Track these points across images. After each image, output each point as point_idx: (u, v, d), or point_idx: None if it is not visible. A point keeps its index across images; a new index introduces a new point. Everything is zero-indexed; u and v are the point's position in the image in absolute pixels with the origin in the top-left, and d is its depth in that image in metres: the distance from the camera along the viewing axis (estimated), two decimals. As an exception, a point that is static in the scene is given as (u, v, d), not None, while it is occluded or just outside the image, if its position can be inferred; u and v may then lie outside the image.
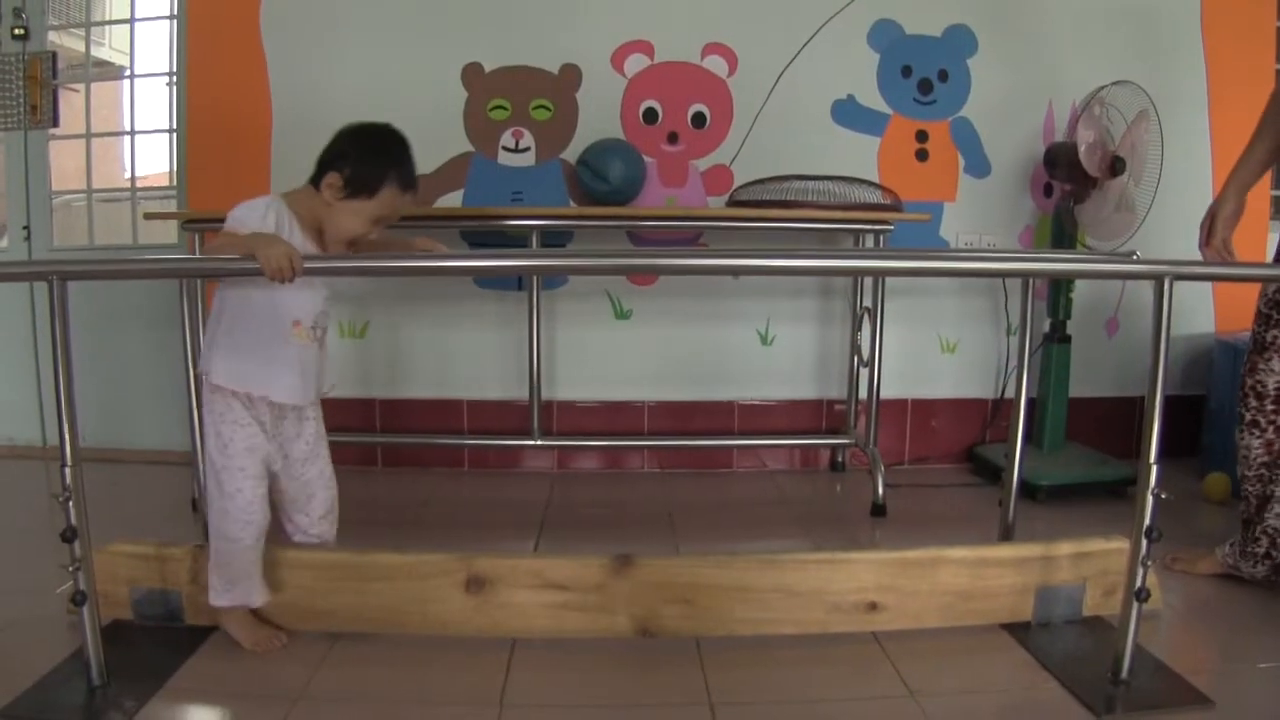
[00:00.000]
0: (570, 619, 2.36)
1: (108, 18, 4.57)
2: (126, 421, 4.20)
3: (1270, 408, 2.64)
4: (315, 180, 2.25)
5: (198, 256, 3.38)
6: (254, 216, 2.15)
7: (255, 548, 2.28)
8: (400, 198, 2.26)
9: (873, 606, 2.42)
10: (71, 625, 2.10)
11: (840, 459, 4.10)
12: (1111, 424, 4.13)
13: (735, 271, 2.13)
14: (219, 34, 3.85)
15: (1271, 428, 2.65)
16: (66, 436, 1.99)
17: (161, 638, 2.35)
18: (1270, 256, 2.84)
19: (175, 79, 3.97)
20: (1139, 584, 2.10)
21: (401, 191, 2.25)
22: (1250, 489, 2.71)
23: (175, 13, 3.94)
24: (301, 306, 2.27)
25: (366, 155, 2.23)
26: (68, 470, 1.98)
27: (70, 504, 1.98)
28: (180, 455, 3.72)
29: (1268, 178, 2.68)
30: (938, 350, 4.11)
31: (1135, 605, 2.11)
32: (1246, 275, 2.51)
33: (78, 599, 2.00)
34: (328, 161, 2.23)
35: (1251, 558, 2.71)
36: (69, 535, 1.98)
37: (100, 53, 4.75)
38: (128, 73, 4.22)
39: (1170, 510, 3.34)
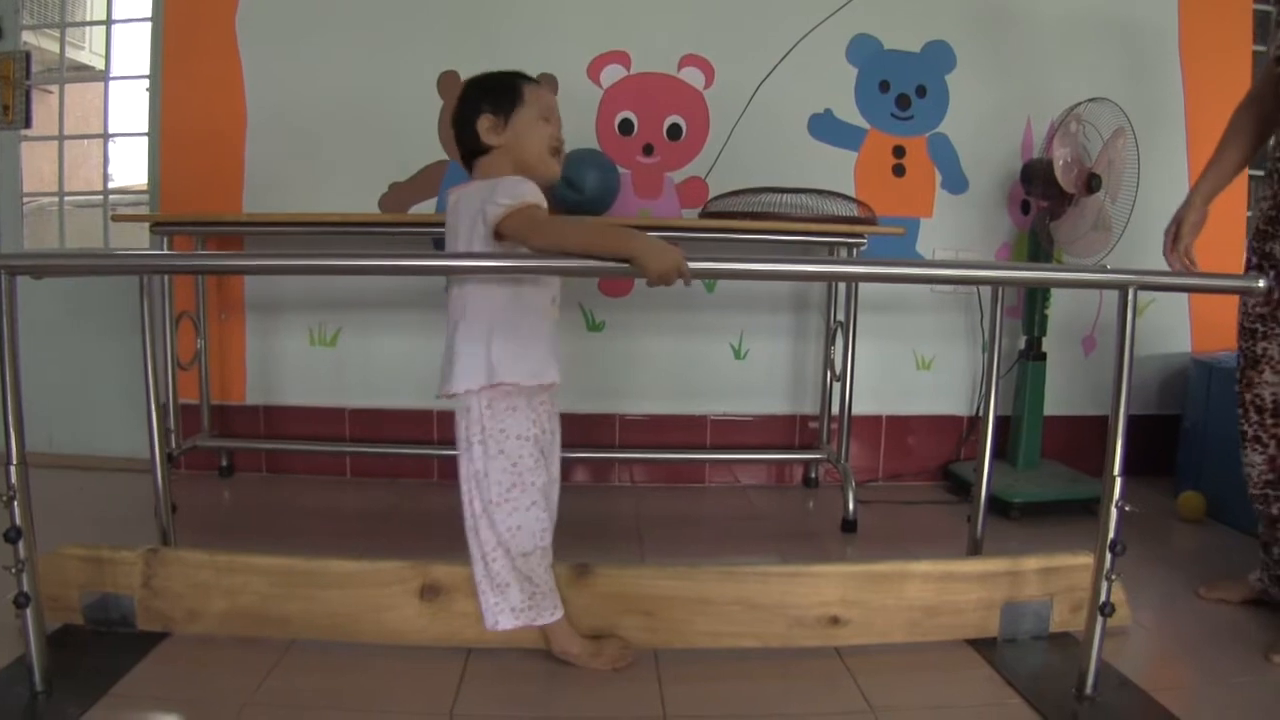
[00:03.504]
0: (527, 629, 2.33)
1: (86, 19, 4.53)
2: (96, 429, 4.15)
3: (1270, 421, 2.60)
4: (477, 154, 2.22)
5: (152, 252, 3.37)
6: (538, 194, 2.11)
7: (549, 552, 2.25)
8: (539, 89, 2.23)
9: (835, 621, 2.40)
10: (20, 631, 2.05)
11: (814, 475, 4.07)
12: (1088, 442, 4.10)
13: (701, 276, 2.10)
14: (195, 37, 3.83)
15: (1274, 442, 2.60)
16: (13, 434, 1.95)
17: (112, 643, 2.31)
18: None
19: (150, 82, 3.94)
20: (1103, 598, 2.08)
21: (536, 84, 2.24)
22: (1259, 508, 2.67)
23: (152, 15, 3.90)
24: (554, 281, 2.25)
25: (486, 88, 2.22)
26: (12, 469, 1.94)
27: (15, 504, 1.95)
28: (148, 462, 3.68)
29: (1241, 193, 2.66)
30: (913, 367, 4.09)
31: (1100, 620, 2.09)
32: (1210, 286, 2.49)
33: (20, 601, 1.96)
34: (468, 126, 2.20)
35: (1278, 581, 2.68)
36: (12, 536, 1.94)
37: (80, 56, 4.72)
38: (105, 75, 4.19)
39: (1144, 529, 3.37)
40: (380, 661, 2.27)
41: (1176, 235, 2.74)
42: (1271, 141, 2.57)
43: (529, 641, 2.33)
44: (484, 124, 2.18)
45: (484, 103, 2.19)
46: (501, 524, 2.18)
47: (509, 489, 2.18)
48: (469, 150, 2.23)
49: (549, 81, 3.80)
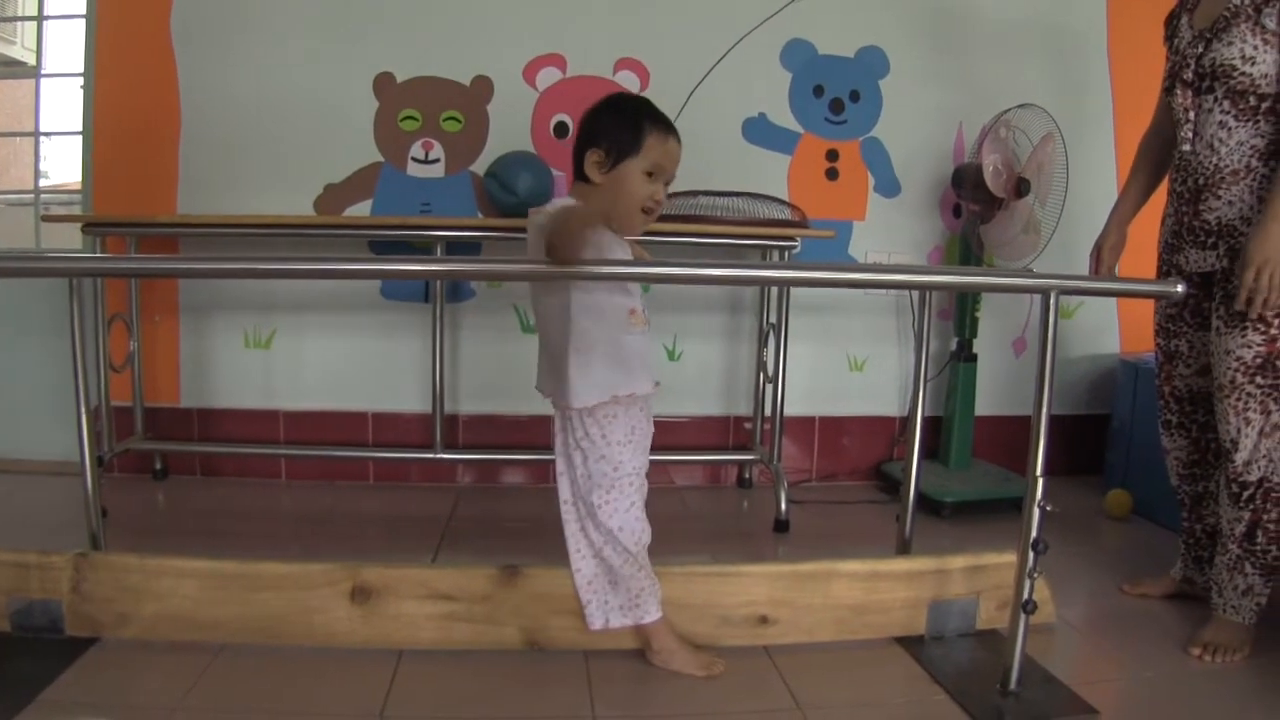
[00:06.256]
0: (458, 630, 2.34)
1: (17, 14, 4.47)
2: (27, 431, 4.09)
3: (1189, 409, 2.72)
4: (580, 174, 2.16)
5: (83, 255, 3.34)
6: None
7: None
8: (666, 142, 2.13)
9: (764, 620, 2.43)
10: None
11: (748, 475, 4.10)
12: (1019, 442, 4.06)
13: (636, 279, 2.11)
14: (129, 36, 3.78)
15: (1195, 426, 2.72)
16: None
17: (40, 650, 2.28)
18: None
19: (84, 79, 3.89)
20: (1026, 596, 2.12)
21: (664, 135, 2.13)
22: (1185, 488, 2.78)
23: (86, 12, 3.85)
24: (634, 294, 2.20)
25: (614, 119, 2.13)
26: (-66, 474, 1.93)
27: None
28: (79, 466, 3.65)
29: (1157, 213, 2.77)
30: (846, 368, 4.13)
31: (1023, 617, 2.14)
32: (1131, 290, 2.60)
33: (-58, 607, 1.95)
34: (582, 147, 2.13)
35: (1200, 564, 2.78)
36: (-64, 541, 1.93)
37: (11, 51, 4.67)
38: (38, 72, 4.14)
39: (1073, 527, 3.43)
40: (311, 665, 2.27)
41: (1099, 258, 2.88)
42: (1171, 165, 2.67)
43: (460, 644, 2.35)
44: (591, 157, 2.11)
45: (603, 135, 2.11)
46: (604, 525, 2.21)
47: (609, 490, 2.20)
48: (577, 164, 2.17)
49: (482, 88, 3.84)
